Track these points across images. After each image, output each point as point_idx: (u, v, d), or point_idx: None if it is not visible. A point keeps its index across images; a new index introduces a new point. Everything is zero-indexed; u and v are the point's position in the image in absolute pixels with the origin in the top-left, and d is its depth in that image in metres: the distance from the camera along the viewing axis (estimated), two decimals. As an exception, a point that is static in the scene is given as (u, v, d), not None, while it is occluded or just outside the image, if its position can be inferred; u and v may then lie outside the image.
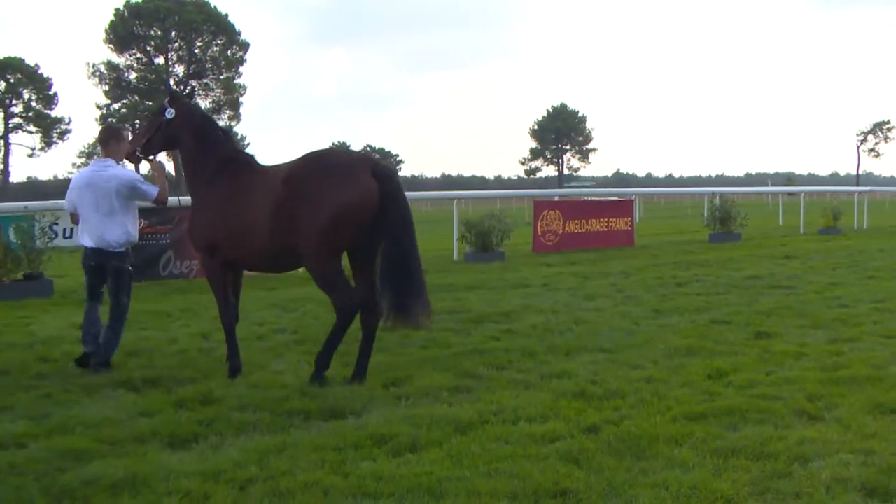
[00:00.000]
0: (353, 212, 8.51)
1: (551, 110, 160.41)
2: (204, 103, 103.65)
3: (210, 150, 9.39)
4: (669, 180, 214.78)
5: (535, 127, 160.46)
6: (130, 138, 10.07)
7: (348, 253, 8.94)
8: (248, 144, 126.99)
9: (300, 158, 8.99)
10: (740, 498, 5.62)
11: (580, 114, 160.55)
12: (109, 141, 9.89)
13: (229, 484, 5.95)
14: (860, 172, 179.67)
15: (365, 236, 8.67)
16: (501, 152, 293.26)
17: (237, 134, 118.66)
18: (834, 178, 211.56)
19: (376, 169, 8.74)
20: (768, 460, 6.22)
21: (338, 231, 8.53)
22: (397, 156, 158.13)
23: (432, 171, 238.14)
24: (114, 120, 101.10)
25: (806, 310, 12.94)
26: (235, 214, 9.03)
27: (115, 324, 9.66)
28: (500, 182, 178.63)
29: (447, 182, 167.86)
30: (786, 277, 17.10)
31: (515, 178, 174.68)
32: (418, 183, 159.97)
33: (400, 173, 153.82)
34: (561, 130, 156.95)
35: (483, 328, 11.76)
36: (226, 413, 7.60)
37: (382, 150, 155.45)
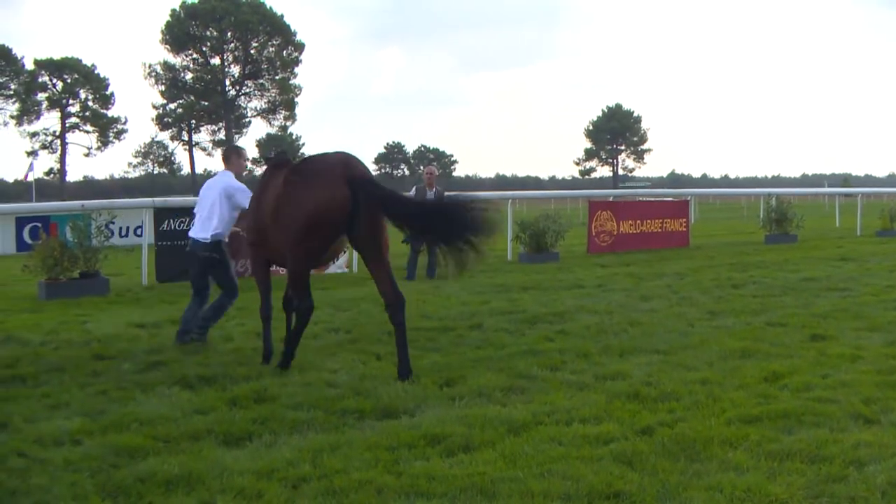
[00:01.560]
0: (321, 216, 8.83)
1: (606, 110, 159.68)
2: (259, 104, 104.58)
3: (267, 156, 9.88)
4: (725, 181, 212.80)
5: (590, 127, 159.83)
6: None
7: (361, 256, 9.54)
8: (304, 144, 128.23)
9: (297, 162, 9.64)
10: (795, 501, 5.58)
11: (635, 114, 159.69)
12: (231, 157, 11.58)
13: (282, 482, 6.01)
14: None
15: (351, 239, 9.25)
16: (556, 153, 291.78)
17: (292, 134, 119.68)
18: (891, 180, 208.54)
19: (352, 176, 8.90)
20: (823, 464, 6.17)
21: (307, 233, 8.91)
22: (451, 156, 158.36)
23: (486, 172, 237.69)
24: (170, 120, 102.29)
25: (862, 312, 12.78)
26: (261, 214, 9.68)
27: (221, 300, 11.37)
28: (554, 182, 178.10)
29: (501, 182, 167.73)
30: (842, 280, 16.90)
31: (570, 178, 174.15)
32: (473, 183, 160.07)
33: (454, 173, 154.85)
34: (616, 131, 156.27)
35: (537, 329, 11.75)
36: (280, 411, 7.67)
37: (437, 150, 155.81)
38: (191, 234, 11.35)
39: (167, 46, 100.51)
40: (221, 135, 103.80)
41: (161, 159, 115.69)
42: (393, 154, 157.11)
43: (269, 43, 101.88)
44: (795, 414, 7.33)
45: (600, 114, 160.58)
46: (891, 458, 6.26)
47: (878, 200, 44.33)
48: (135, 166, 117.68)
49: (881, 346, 10.34)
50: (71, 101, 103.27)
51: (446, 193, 19.24)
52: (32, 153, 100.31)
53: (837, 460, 6.22)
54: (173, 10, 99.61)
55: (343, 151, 9.30)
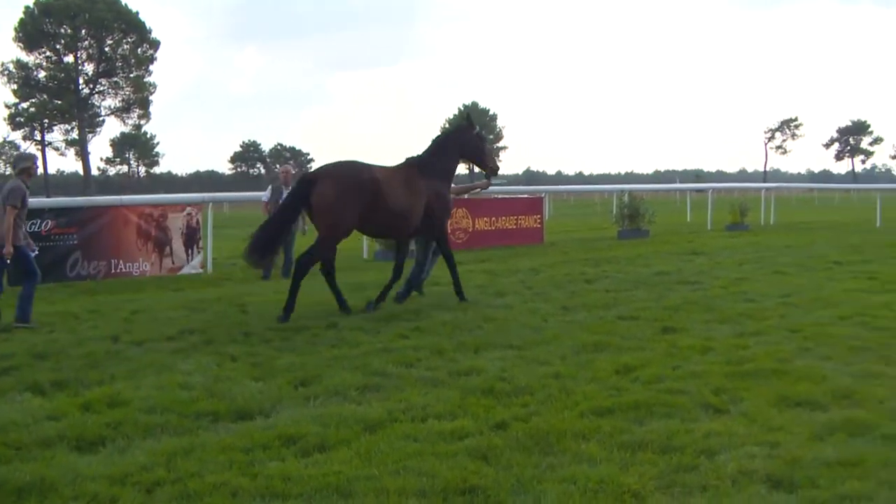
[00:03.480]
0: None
1: (462, 109, 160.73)
2: (113, 102, 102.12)
3: None
4: (579, 178, 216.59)
5: (446, 125, 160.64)
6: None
7: None
8: (158, 143, 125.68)
9: None
10: (647, 491, 5.68)
11: (491, 112, 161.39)
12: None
13: (136, 487, 5.88)
14: (767, 169, 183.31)
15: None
16: (414, 151, 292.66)
17: (146, 133, 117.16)
18: (742, 175, 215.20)
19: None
20: (675, 454, 6.30)
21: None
22: (308, 154, 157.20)
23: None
24: (22, 119, 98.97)
25: (712, 305, 13.16)
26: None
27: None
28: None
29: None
30: (693, 273, 17.35)
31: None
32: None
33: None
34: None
35: (392, 326, 11.74)
36: (133, 415, 7.49)
37: (293, 148, 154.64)
38: None
39: (20, 44, 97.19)
40: (74, 134, 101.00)
41: (13, 160, 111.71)
42: (249, 153, 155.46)
43: (124, 40, 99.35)
44: (647, 405, 7.49)
45: (456, 112, 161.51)
46: (741, 447, 6.43)
47: (728, 196, 45.70)
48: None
49: (730, 337, 10.64)
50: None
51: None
52: None
53: (688, 450, 6.36)
54: (27, 8, 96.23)
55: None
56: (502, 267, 19.15)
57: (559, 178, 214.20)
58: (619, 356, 9.50)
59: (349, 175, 12.77)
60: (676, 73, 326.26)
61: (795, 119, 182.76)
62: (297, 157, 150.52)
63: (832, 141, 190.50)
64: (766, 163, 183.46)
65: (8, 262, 12.35)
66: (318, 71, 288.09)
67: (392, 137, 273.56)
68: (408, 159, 13.77)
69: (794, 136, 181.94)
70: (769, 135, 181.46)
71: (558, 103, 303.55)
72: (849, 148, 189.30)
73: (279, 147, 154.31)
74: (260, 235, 12.57)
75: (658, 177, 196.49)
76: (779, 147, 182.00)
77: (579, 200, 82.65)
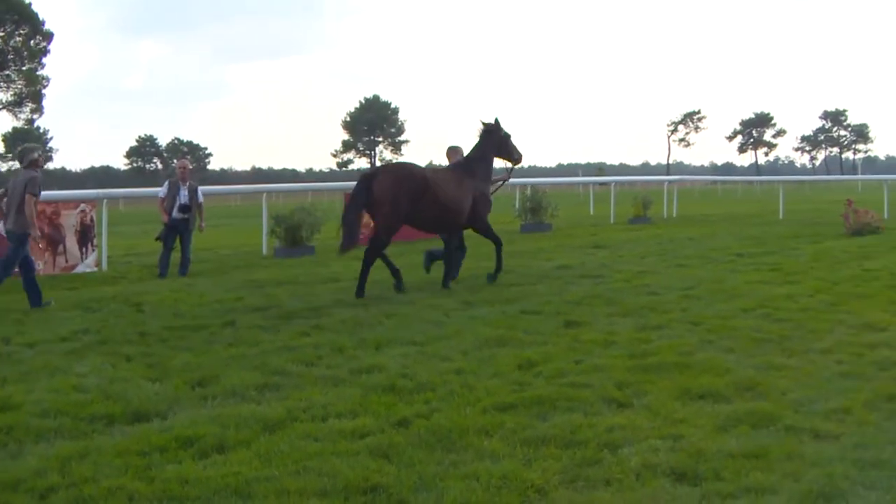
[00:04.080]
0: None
1: (364, 101, 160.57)
2: (5, 96, 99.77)
3: None
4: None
5: (347, 118, 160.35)
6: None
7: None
8: (52, 138, 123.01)
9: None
10: (550, 487, 5.73)
11: (393, 105, 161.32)
12: (452, 155, 16.49)
13: (29, 493, 5.77)
14: (670, 162, 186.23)
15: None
16: (314, 145, 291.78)
17: (39, 128, 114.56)
18: (645, 168, 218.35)
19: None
20: (578, 448, 6.37)
21: None
22: (206, 149, 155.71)
23: (242, 165, 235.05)
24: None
25: (615, 298, 13.35)
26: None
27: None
28: (312, 175, 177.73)
29: (258, 175, 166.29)
30: (595, 267, 17.58)
31: (328, 170, 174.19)
32: (228, 176, 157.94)
33: (209, 167, 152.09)
34: (373, 122, 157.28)
35: (292, 324, 11.68)
36: (25, 419, 7.34)
37: (191, 143, 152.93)
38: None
39: None
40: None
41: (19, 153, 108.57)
42: (145, 147, 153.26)
43: (16, 32, 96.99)
44: (550, 400, 7.56)
45: (358, 105, 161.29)
46: (644, 441, 6.53)
47: (631, 189, 46.37)
48: None
49: (633, 330, 10.81)
50: None
51: (199, 188, 18.96)
52: None
53: (592, 444, 6.44)
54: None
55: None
56: (401, 262, 19.05)
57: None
58: (522, 351, 9.58)
59: (404, 172, 14.87)
60: (580, 65, 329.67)
61: (698, 112, 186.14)
62: (195, 151, 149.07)
63: (735, 133, 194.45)
64: (668, 155, 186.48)
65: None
66: (215, 63, 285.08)
67: (293, 131, 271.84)
68: (454, 163, 16.09)
69: (697, 128, 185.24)
70: (672, 128, 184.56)
71: (461, 96, 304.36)
72: (752, 140, 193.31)
73: (176, 142, 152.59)
74: (345, 230, 14.56)
75: (561, 170, 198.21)
76: (682, 140, 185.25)
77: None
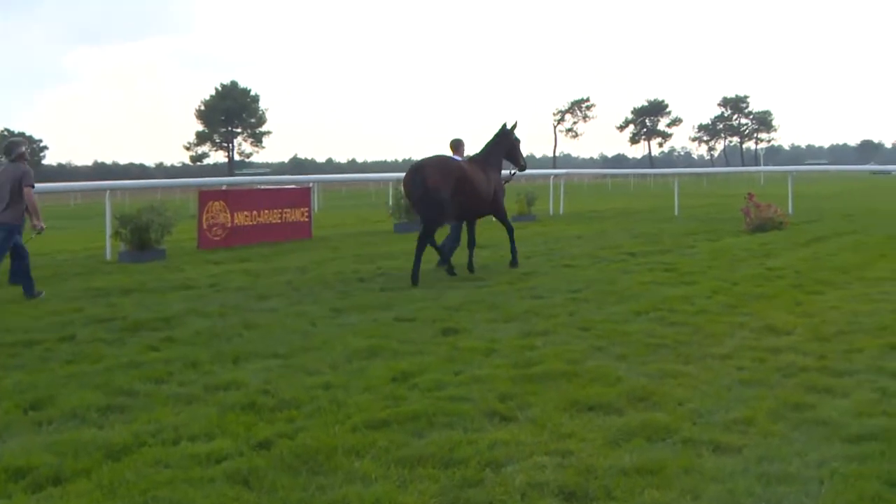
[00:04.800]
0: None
1: (220, 88, 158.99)
2: None
3: None
4: (352, 166, 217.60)
5: (202, 107, 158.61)
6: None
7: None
8: None
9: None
10: (427, 510, 5.75)
11: (252, 93, 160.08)
12: (458, 147, 19.23)
13: None
14: (557, 154, 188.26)
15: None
16: (164, 137, 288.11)
17: None
18: (529, 161, 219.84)
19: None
20: (458, 467, 6.39)
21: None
22: (41, 142, 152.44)
23: (83, 159, 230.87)
24: None
25: (497, 302, 13.46)
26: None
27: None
28: (162, 170, 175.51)
29: (100, 171, 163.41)
30: (478, 270, 17.66)
31: (180, 165, 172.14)
32: (66, 172, 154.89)
33: (44, 161, 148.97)
34: (231, 111, 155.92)
35: (139, 337, 11.50)
36: None
37: (23, 134, 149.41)
38: None
39: None
40: None
41: (4, 147, 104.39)
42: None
43: None
44: (426, 415, 7.58)
45: (213, 92, 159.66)
46: (529, 457, 6.58)
47: (515, 183, 46.65)
48: None
49: (516, 337, 10.91)
50: None
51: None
52: None
53: (472, 462, 6.47)
54: None
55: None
56: (265, 266, 19.04)
57: (329, 166, 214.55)
58: (396, 362, 9.59)
59: (449, 164, 17.31)
60: (456, 51, 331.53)
61: (587, 99, 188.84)
62: (31, 143, 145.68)
63: (627, 122, 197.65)
64: (555, 147, 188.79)
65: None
66: (53, 46, 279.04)
67: (141, 122, 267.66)
68: (474, 156, 18.62)
69: (585, 117, 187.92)
70: (559, 117, 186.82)
71: (328, 86, 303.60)
72: (645, 130, 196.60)
73: (6, 133, 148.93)
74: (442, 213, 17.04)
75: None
76: (569, 130, 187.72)
77: (352, 191, 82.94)
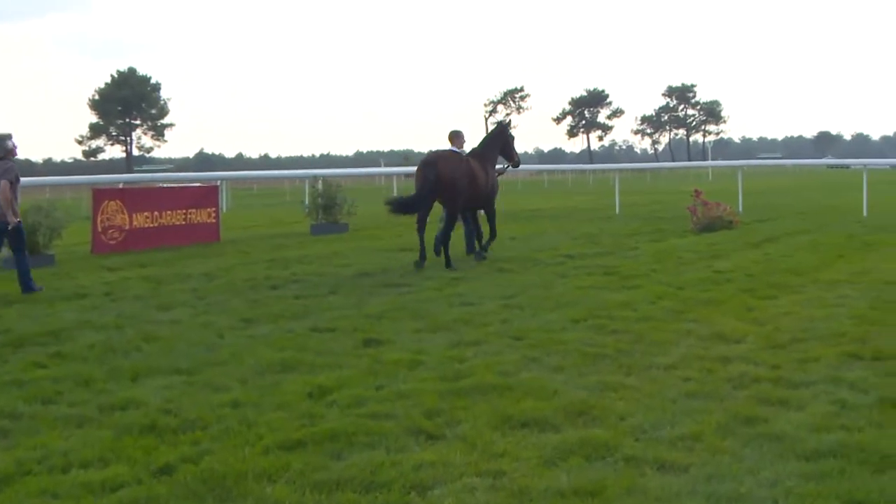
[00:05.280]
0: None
1: (116, 76, 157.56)
2: None
3: None
4: (265, 162, 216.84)
5: (96, 97, 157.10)
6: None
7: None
8: None
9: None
10: (346, 539, 5.73)
11: (153, 81, 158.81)
12: (455, 139, 20.51)
13: None
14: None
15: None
16: (54, 130, 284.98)
17: None
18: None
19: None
20: (380, 491, 6.37)
21: None
22: None
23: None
24: None
25: (423, 310, 13.47)
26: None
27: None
28: (50, 167, 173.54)
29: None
30: (400, 274, 17.71)
31: (71, 161, 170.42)
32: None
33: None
34: (129, 101, 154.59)
35: (24, 353, 11.32)
36: None
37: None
38: None
39: None
40: None
41: None
42: None
43: None
44: (346, 434, 7.54)
45: (109, 80, 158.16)
46: (459, 479, 6.58)
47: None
48: None
49: (444, 347, 10.91)
50: None
51: None
52: None
53: (396, 486, 6.46)
54: None
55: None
56: (168, 272, 18.90)
57: (239, 161, 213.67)
58: (313, 376, 9.55)
59: (458, 158, 19.86)
60: (378, 37, 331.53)
61: (521, 89, 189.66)
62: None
63: (564, 114, 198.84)
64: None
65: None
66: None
67: (27, 113, 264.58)
68: (473, 150, 20.84)
69: (519, 109, 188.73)
70: (490, 108, 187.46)
71: (237, 73, 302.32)
72: (584, 122, 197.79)
73: None
74: (418, 205, 19.49)
75: (360, 159, 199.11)
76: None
77: (265, 189, 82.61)
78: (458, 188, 19.41)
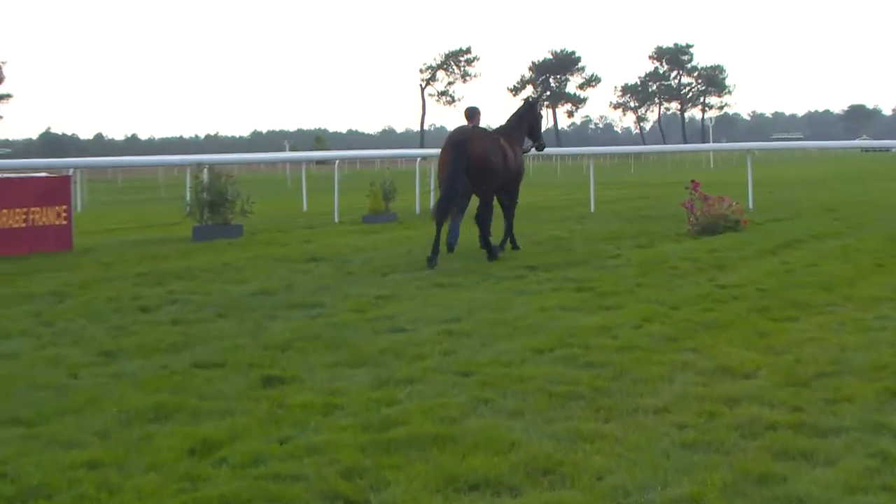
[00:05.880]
0: None
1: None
2: None
3: None
4: (132, 145, 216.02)
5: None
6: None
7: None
8: None
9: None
10: None
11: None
12: (473, 116, 23.46)
13: None
14: (427, 127, 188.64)
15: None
16: None
17: None
18: (387, 138, 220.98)
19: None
20: (284, 579, 6.36)
21: None
22: None
23: None
24: None
25: (341, 338, 13.43)
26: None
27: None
28: None
29: None
30: (311, 291, 17.66)
31: None
32: None
33: None
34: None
35: None
36: None
37: None
38: None
39: None
40: None
41: None
42: None
43: None
44: (239, 502, 7.52)
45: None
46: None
47: (368, 169, 46.85)
48: None
49: (368, 387, 10.88)
50: None
51: None
52: None
53: (306, 570, 6.44)
54: None
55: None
56: (3, 292, 18.74)
57: (99, 145, 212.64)
58: (196, 426, 9.51)
59: (491, 136, 22.68)
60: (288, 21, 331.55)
61: (467, 51, 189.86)
62: None
63: (524, 83, 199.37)
64: (423, 117, 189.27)
65: None
66: None
67: None
68: (498, 128, 23.92)
69: (465, 76, 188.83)
70: (428, 75, 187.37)
71: (95, 37, 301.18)
72: (549, 94, 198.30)
73: None
74: (448, 197, 21.41)
75: (257, 142, 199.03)
76: (443, 94, 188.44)
77: (133, 180, 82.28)
78: (494, 170, 21.82)
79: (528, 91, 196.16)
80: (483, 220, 22.24)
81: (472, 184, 22.00)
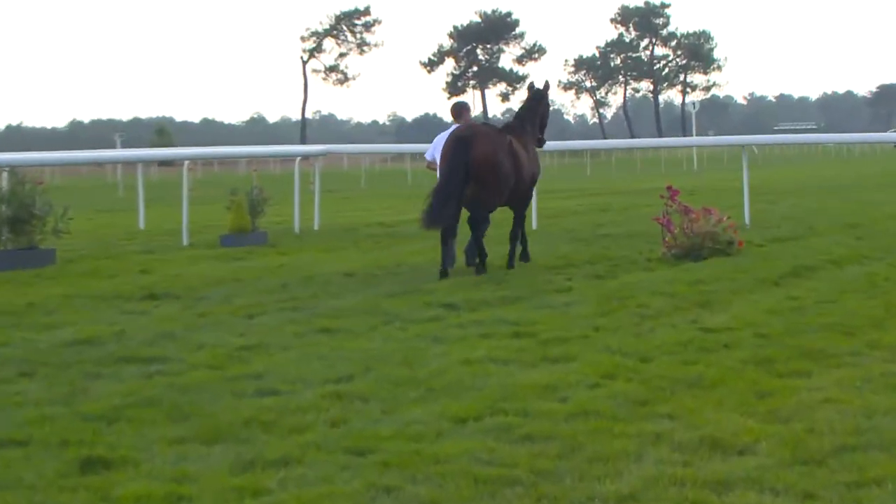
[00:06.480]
0: None
1: None
2: None
3: None
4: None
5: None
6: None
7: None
8: None
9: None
10: None
11: None
12: (462, 113, 27.20)
13: None
14: (309, 116, 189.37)
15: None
16: None
17: None
18: (256, 129, 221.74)
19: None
20: None
21: None
22: None
23: None
24: None
25: (189, 404, 13.34)
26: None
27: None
28: None
29: None
30: (149, 340, 17.55)
31: None
32: None
33: None
34: None
35: None
36: None
37: None
38: None
39: None
40: None
41: None
42: None
43: None
44: None
45: None
46: None
47: (230, 172, 46.84)
48: None
49: (227, 471, 10.79)
50: None
51: None
52: None
53: None
54: None
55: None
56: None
57: None
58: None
59: (499, 135, 24.72)
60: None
61: (365, 12, 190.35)
62: None
63: (441, 55, 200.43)
64: (305, 101, 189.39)
65: None
66: None
67: None
68: (507, 124, 27.08)
69: (362, 47, 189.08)
70: (311, 45, 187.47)
71: None
72: (475, 69, 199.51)
73: None
74: (439, 202, 23.38)
75: (77, 135, 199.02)
76: (331, 70, 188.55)
77: None
78: (502, 174, 23.87)
79: (450, 66, 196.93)
80: (477, 223, 24.04)
81: (475, 191, 23.44)
